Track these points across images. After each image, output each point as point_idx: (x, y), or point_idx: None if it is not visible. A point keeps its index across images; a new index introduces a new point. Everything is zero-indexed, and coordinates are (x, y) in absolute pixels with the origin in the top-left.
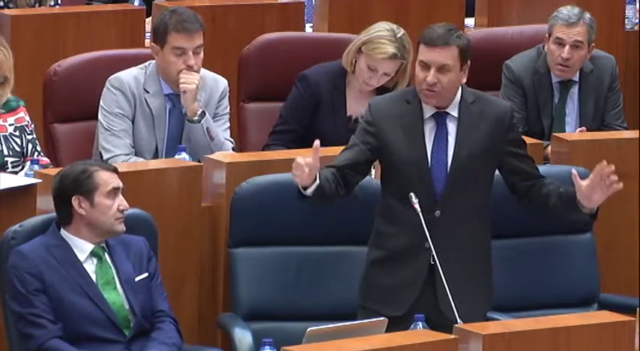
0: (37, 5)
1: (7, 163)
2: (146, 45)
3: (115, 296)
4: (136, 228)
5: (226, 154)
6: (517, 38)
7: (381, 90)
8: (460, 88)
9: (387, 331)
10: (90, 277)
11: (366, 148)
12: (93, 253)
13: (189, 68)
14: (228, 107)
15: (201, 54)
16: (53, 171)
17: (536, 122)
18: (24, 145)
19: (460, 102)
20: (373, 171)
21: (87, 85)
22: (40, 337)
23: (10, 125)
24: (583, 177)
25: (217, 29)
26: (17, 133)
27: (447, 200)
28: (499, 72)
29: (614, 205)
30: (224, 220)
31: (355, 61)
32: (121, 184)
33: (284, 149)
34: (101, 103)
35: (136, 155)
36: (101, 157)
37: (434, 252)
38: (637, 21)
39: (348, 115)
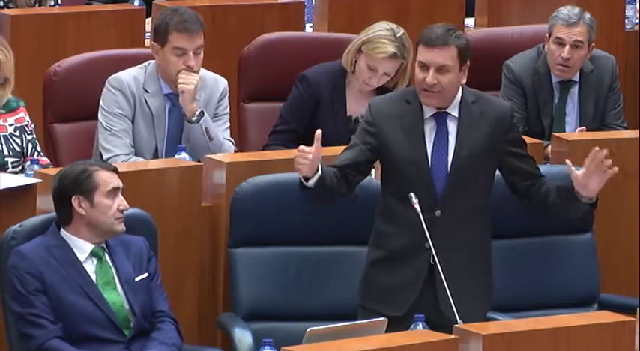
0: (37, 5)
1: (7, 164)
2: (146, 45)
3: (115, 296)
4: (136, 228)
5: (226, 154)
6: (517, 38)
7: (381, 90)
8: (460, 88)
9: (387, 331)
10: (90, 277)
11: (366, 148)
12: (93, 253)
13: (189, 69)
14: (228, 107)
15: (202, 55)
16: (53, 171)
17: (536, 122)
18: (24, 146)
19: (460, 102)
20: (373, 171)
21: (87, 85)
22: (40, 337)
23: (10, 125)
24: None
25: (217, 29)
26: (17, 134)
27: (447, 200)
28: (499, 72)
29: (614, 205)
30: (224, 220)
31: (355, 60)
32: (121, 184)
33: (284, 149)
34: (101, 103)
35: (135, 155)
36: (101, 157)
37: (434, 252)
38: (637, 21)
39: (348, 115)
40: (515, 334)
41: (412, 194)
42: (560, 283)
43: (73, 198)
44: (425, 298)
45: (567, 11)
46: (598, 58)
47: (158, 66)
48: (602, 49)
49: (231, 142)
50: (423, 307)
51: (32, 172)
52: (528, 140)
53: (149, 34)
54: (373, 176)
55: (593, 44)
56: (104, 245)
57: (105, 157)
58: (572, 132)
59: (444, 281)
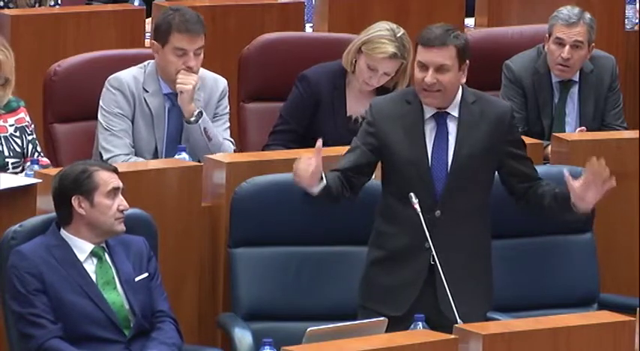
0: (37, 5)
1: (7, 164)
2: (146, 45)
3: (115, 296)
4: (136, 228)
5: (226, 154)
6: (517, 38)
7: (381, 90)
8: (460, 88)
9: (387, 331)
10: (90, 277)
11: (367, 149)
12: (93, 253)
13: (189, 69)
14: (228, 107)
15: (202, 55)
16: (53, 171)
17: (536, 122)
18: (24, 146)
19: (460, 102)
20: None
21: (87, 85)
22: (40, 337)
23: (10, 126)
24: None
25: (217, 29)
26: (18, 134)
27: (447, 200)
28: (499, 72)
29: (614, 205)
30: (224, 220)
31: (355, 60)
32: (120, 184)
33: (284, 149)
34: (100, 103)
35: (135, 155)
36: (101, 157)
37: (434, 252)
38: (637, 21)
39: (348, 115)
40: (515, 334)
41: (412, 194)
42: (560, 283)
43: (73, 198)
44: (425, 298)
45: (567, 11)
46: (598, 58)
47: (157, 65)
48: (602, 49)
49: (231, 142)
50: (423, 307)
51: (32, 172)
52: (528, 140)
53: (149, 34)
54: (373, 176)
55: (593, 44)
56: (104, 245)
57: (105, 157)
58: (572, 132)
59: (444, 281)
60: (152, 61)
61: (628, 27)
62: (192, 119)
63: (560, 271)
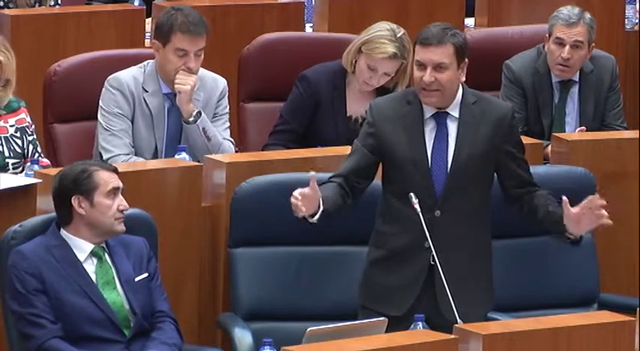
0: (37, 5)
1: (7, 165)
2: (146, 45)
3: (115, 296)
4: (136, 228)
5: (226, 154)
6: (517, 38)
7: (381, 90)
8: (461, 88)
9: (387, 331)
10: (90, 277)
11: (367, 150)
12: (93, 253)
13: (189, 70)
14: (228, 107)
15: (202, 56)
16: (53, 171)
17: (536, 122)
18: (25, 146)
19: (461, 102)
20: None
21: (87, 85)
22: (40, 337)
23: (11, 126)
24: (583, 177)
25: (217, 29)
26: (18, 135)
27: (447, 200)
28: (499, 72)
29: (614, 205)
30: (224, 220)
31: (355, 61)
32: (120, 184)
33: (284, 149)
34: (100, 103)
35: (135, 155)
36: (101, 157)
37: (434, 252)
38: (637, 21)
39: (348, 115)
40: (515, 334)
41: (412, 194)
42: (560, 283)
43: (73, 198)
44: (425, 298)
45: (567, 11)
46: (598, 58)
47: (157, 64)
48: (602, 49)
49: (231, 142)
50: (423, 307)
51: (32, 172)
52: (528, 140)
53: (149, 34)
54: None
55: (593, 44)
56: (104, 245)
57: (105, 157)
58: (572, 132)
59: (444, 281)
60: (152, 61)
61: (628, 27)
62: (191, 119)
63: (560, 271)
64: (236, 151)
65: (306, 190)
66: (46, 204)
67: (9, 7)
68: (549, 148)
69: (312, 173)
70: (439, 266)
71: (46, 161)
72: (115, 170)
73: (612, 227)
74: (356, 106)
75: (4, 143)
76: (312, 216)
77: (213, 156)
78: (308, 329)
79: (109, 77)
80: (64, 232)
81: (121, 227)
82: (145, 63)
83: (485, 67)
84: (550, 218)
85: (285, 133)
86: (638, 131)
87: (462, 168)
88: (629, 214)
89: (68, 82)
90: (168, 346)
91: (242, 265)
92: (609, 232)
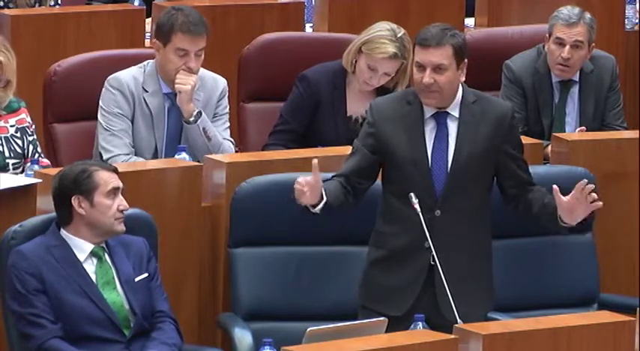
0: (37, 5)
1: (8, 165)
2: (146, 45)
3: (115, 296)
4: (136, 228)
5: (226, 154)
6: (517, 38)
7: (381, 90)
8: (461, 88)
9: (387, 331)
10: (90, 277)
11: (368, 150)
12: (93, 253)
13: (189, 70)
14: (228, 107)
15: (202, 56)
16: (53, 171)
17: (536, 122)
18: (25, 147)
19: (461, 102)
20: None
21: (87, 85)
22: (40, 337)
23: (11, 126)
24: (583, 177)
25: (217, 29)
26: (18, 135)
27: (447, 200)
28: (499, 72)
29: (614, 205)
30: (224, 220)
31: (355, 61)
32: (120, 184)
33: (284, 149)
34: (100, 103)
35: (135, 155)
36: (101, 157)
37: (434, 252)
38: (637, 21)
39: (348, 115)
40: (515, 334)
41: (412, 194)
42: (560, 283)
43: (73, 198)
44: (425, 298)
45: (567, 11)
46: (598, 58)
47: (158, 64)
48: (602, 49)
49: (232, 142)
50: (423, 307)
51: (32, 172)
52: (528, 140)
53: (149, 34)
54: None
55: (594, 44)
56: (104, 245)
57: (105, 157)
58: (572, 132)
59: (444, 281)
60: (152, 61)
61: (628, 27)
62: (191, 119)
63: (560, 271)
64: (236, 151)
65: (309, 177)
66: (46, 204)
67: (9, 7)
68: (549, 148)
69: (315, 161)
70: (439, 266)
71: (46, 161)
72: (115, 170)
73: (612, 227)
74: (356, 106)
75: (4, 143)
76: (314, 206)
77: (213, 156)
78: (308, 329)
79: (109, 77)
80: (64, 232)
81: (121, 227)
82: (145, 63)
83: (485, 67)
84: (545, 211)
85: (285, 133)
86: (638, 131)
87: (462, 167)
88: (629, 214)
89: (68, 82)
90: (168, 346)
91: (242, 265)
92: (609, 232)
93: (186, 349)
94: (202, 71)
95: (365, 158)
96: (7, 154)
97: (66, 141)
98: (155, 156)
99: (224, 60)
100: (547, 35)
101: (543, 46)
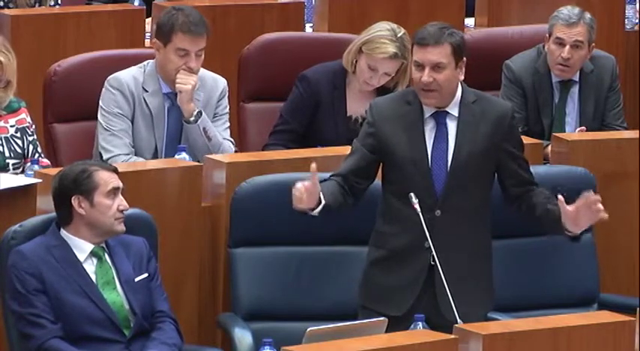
0: (37, 5)
1: (8, 165)
2: (146, 45)
3: (115, 296)
4: (136, 228)
5: (226, 154)
6: (517, 38)
7: (381, 90)
8: (460, 87)
9: (387, 331)
10: (90, 277)
11: (367, 150)
12: (93, 253)
13: (190, 70)
14: (228, 107)
15: (202, 56)
16: (53, 171)
17: (536, 122)
18: (25, 147)
19: (460, 101)
20: None
21: (87, 85)
22: (40, 337)
23: (11, 126)
24: (583, 177)
25: (217, 29)
26: (18, 135)
27: (447, 200)
28: (499, 72)
29: (614, 205)
30: (224, 220)
31: (356, 61)
32: (120, 184)
33: (284, 149)
34: (100, 103)
35: (135, 155)
36: (101, 157)
37: (434, 252)
38: (637, 21)
39: (348, 115)
40: (515, 334)
41: (412, 194)
42: (560, 283)
43: (73, 198)
44: (425, 298)
45: (567, 11)
46: (598, 58)
47: (158, 63)
48: (602, 49)
49: (232, 142)
50: (423, 307)
51: (32, 172)
52: (528, 140)
53: (149, 34)
54: None
55: (594, 44)
56: (104, 245)
57: (105, 157)
58: (572, 132)
59: (444, 281)
60: (151, 61)
61: (628, 27)
62: (192, 119)
63: (560, 271)
64: (235, 151)
65: (307, 182)
66: (46, 204)
67: (9, 7)
68: (549, 148)
69: (314, 165)
70: (439, 266)
71: (46, 161)
72: (115, 170)
73: (612, 227)
74: (356, 106)
75: (4, 143)
76: (313, 209)
77: (213, 156)
78: (308, 329)
79: (109, 77)
80: (64, 232)
81: (121, 227)
82: (145, 63)
83: (485, 67)
84: (548, 217)
85: (285, 133)
86: (638, 131)
87: (462, 167)
88: (629, 214)
89: (68, 82)
90: (168, 346)
91: (242, 265)
92: (609, 232)
93: (186, 349)
94: (202, 71)
95: (364, 158)
96: (7, 154)
97: (66, 141)
98: (155, 156)
99: (224, 60)
100: (547, 35)
101: (543, 46)
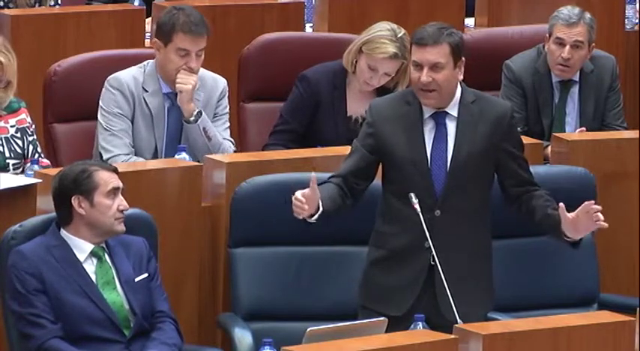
0: (37, 5)
1: (8, 165)
2: (146, 45)
3: (115, 296)
4: (136, 228)
5: (226, 154)
6: (517, 38)
7: (381, 90)
8: (460, 87)
9: (387, 331)
10: (90, 277)
11: (366, 150)
12: (93, 253)
13: (190, 70)
14: (228, 107)
15: (203, 56)
16: (53, 171)
17: (536, 122)
18: (25, 147)
19: (460, 101)
20: None
21: (87, 85)
22: (40, 337)
23: (11, 127)
24: (583, 177)
25: (217, 29)
26: (18, 135)
27: (447, 200)
28: (499, 72)
29: (614, 205)
30: (224, 220)
31: (356, 61)
32: (120, 184)
33: (284, 149)
34: (100, 103)
35: (135, 155)
36: (101, 157)
37: (434, 252)
38: (637, 21)
39: (348, 115)
40: (515, 334)
41: (412, 194)
42: (560, 283)
43: (73, 198)
44: (425, 298)
45: (567, 11)
46: (598, 58)
47: (158, 63)
48: (602, 49)
49: (231, 142)
50: (423, 307)
51: (32, 172)
52: (528, 140)
53: (149, 34)
54: None
55: (594, 44)
56: (104, 245)
57: (105, 157)
58: (572, 132)
59: (444, 281)
60: (151, 61)
61: (628, 27)
62: (192, 119)
63: (560, 271)
64: (235, 151)
65: (306, 191)
66: (46, 204)
67: (9, 7)
68: (549, 148)
69: (313, 174)
70: (439, 266)
71: (46, 162)
72: (115, 170)
73: (612, 227)
74: (356, 106)
75: (4, 144)
76: (311, 216)
77: (213, 156)
78: (308, 329)
79: (109, 77)
80: (64, 232)
81: (121, 227)
82: (145, 63)
83: (485, 67)
84: (548, 221)
85: (285, 133)
86: (638, 131)
87: (462, 167)
88: (629, 214)
89: (68, 82)
90: (168, 346)
91: (242, 265)
92: (609, 232)
93: (186, 349)
94: (202, 71)
95: (363, 158)
96: (7, 154)
97: (66, 141)
98: (155, 156)
99: (224, 60)
100: (547, 35)
101: (543, 46)
